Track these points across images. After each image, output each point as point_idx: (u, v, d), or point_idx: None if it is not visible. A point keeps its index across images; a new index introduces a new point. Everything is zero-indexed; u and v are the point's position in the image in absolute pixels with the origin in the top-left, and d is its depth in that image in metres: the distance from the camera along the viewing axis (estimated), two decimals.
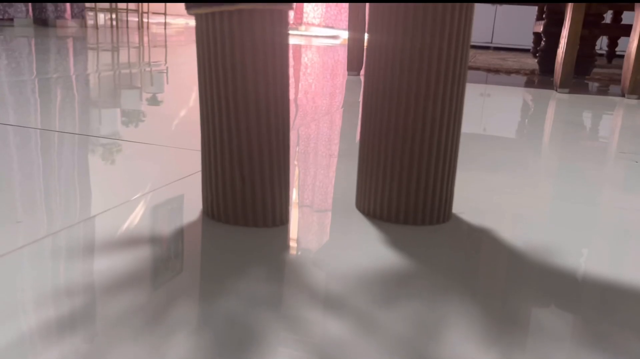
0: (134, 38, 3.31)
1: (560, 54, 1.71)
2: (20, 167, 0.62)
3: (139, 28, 3.99)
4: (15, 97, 1.04)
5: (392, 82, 0.49)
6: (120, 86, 1.28)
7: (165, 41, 3.02)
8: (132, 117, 0.93)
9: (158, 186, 0.58)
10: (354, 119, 1.06)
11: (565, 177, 0.73)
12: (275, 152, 0.48)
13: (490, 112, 1.27)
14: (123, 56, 2.03)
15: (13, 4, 2.94)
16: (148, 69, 1.69)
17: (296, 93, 1.36)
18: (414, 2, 0.46)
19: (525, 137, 0.99)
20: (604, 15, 2.17)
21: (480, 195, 0.62)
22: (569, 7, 1.66)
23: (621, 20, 3.23)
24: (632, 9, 2.50)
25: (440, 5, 0.46)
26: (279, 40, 0.46)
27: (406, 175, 0.51)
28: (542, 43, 2.32)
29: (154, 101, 1.11)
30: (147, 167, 0.65)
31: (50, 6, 3.18)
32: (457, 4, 0.47)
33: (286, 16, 0.46)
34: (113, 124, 0.87)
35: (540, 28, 2.99)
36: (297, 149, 0.79)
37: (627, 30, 2.96)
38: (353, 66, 1.83)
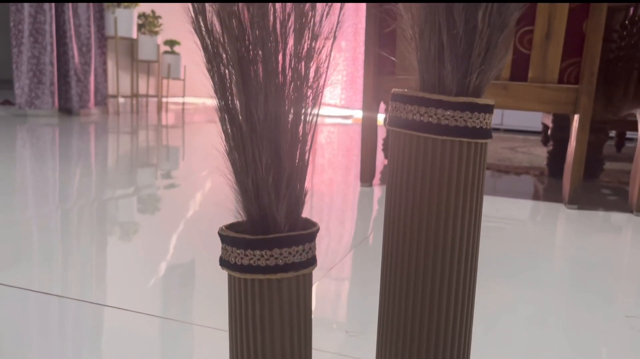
0: (154, 121, 3.43)
1: (568, 171, 1.76)
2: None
3: (158, 111, 4.14)
4: (38, 248, 1.10)
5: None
6: (142, 225, 1.34)
7: (183, 134, 3.13)
8: (149, 280, 0.97)
9: None
10: (364, 270, 1.10)
11: (565, 353, 0.75)
12: None
13: (493, 239, 1.30)
14: (142, 144, 2.11)
15: (40, 96, 3.08)
16: (166, 190, 1.76)
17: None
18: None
19: (523, 282, 1.01)
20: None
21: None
22: (575, 125, 1.72)
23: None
24: (636, 130, 2.56)
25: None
26: (303, 301, 0.50)
27: None
28: (550, 146, 2.38)
29: (173, 258, 1.15)
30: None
31: (75, 96, 3.33)
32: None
33: (310, 278, 0.51)
34: (133, 289, 0.91)
35: (548, 120, 3.07)
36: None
37: (632, 125, 3.02)
38: (365, 177, 1.89)
